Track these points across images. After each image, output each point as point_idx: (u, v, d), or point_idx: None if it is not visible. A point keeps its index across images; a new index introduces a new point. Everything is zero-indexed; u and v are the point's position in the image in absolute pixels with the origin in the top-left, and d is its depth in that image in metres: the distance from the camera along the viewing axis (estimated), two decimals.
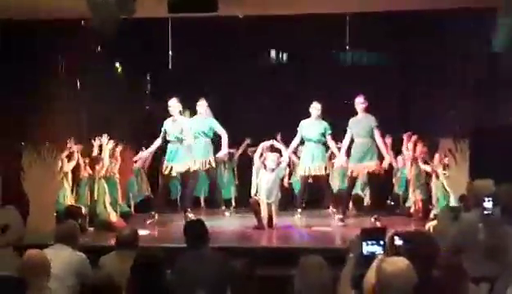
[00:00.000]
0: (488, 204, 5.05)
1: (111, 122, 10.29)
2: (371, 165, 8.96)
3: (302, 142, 9.79)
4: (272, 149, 9.08)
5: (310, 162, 9.57)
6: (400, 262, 3.22)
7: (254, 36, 11.04)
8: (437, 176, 8.86)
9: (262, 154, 8.93)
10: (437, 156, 8.82)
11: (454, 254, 4.76)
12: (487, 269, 4.59)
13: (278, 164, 8.80)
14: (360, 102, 9.06)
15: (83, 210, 8.63)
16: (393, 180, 10.56)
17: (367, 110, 9.06)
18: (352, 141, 9.18)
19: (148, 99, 12.42)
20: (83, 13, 7.54)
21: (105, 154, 9.04)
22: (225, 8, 7.91)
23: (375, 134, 8.99)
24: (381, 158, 9.06)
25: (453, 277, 3.63)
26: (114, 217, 8.80)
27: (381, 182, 9.54)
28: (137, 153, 10.69)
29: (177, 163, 9.23)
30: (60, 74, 9.89)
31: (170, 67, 10.42)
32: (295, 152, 10.56)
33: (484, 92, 9.62)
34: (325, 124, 9.59)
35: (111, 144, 9.18)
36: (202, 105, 9.59)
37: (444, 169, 8.67)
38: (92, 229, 8.56)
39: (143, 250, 4.89)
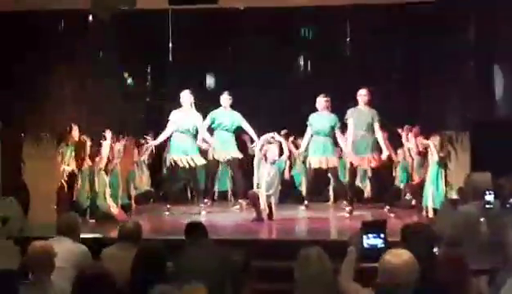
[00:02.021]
0: (490, 197, 5.03)
1: (112, 115, 10.29)
2: (372, 158, 8.97)
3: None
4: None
5: (321, 155, 9.49)
6: (404, 254, 3.23)
7: (255, 28, 11.02)
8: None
9: (262, 146, 8.93)
10: (431, 144, 8.66)
11: (451, 246, 4.77)
12: (486, 262, 4.60)
13: (279, 156, 8.81)
14: (363, 94, 9.00)
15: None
16: (394, 174, 10.57)
17: (369, 103, 9.03)
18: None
19: (149, 91, 12.40)
20: (85, 5, 7.55)
21: (105, 147, 9.01)
22: (225, 0, 7.92)
23: (376, 127, 8.97)
24: (380, 151, 9.03)
25: (455, 269, 3.64)
26: (114, 209, 8.81)
27: (382, 175, 9.54)
28: (138, 145, 10.69)
29: (195, 155, 9.34)
30: (62, 67, 9.88)
31: (171, 59, 10.39)
32: (295, 144, 10.55)
33: (485, 85, 9.65)
34: (334, 117, 9.41)
35: (110, 137, 9.14)
36: (226, 99, 9.58)
37: (442, 160, 8.59)
38: (93, 221, 8.57)
39: (145, 242, 4.89)
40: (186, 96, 9.34)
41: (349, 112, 9.07)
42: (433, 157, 8.49)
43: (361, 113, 9.01)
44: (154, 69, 12.13)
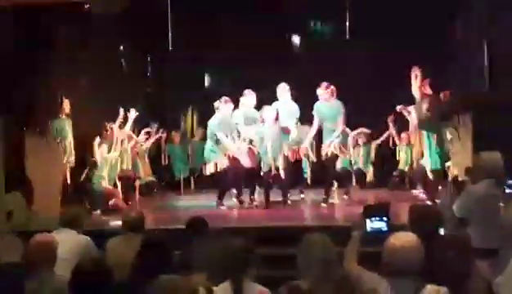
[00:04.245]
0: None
1: (112, 104, 10.26)
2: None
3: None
4: None
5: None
6: (408, 236, 3.24)
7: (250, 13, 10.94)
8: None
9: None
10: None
11: (459, 227, 4.76)
12: (493, 242, 4.60)
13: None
14: (323, 88, 8.79)
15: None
16: (397, 158, 10.56)
17: (333, 96, 8.82)
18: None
19: (149, 81, 12.37)
20: None
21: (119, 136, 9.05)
22: None
23: (339, 119, 8.75)
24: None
25: (459, 251, 3.63)
26: (106, 183, 8.89)
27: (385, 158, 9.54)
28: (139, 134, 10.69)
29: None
30: (62, 58, 9.85)
31: (171, 48, 10.33)
32: None
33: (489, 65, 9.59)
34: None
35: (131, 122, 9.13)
36: (285, 89, 9.18)
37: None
38: (97, 212, 8.59)
39: (150, 232, 4.90)
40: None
41: (315, 106, 8.94)
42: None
43: (326, 107, 8.87)
44: (154, 58, 12.07)
